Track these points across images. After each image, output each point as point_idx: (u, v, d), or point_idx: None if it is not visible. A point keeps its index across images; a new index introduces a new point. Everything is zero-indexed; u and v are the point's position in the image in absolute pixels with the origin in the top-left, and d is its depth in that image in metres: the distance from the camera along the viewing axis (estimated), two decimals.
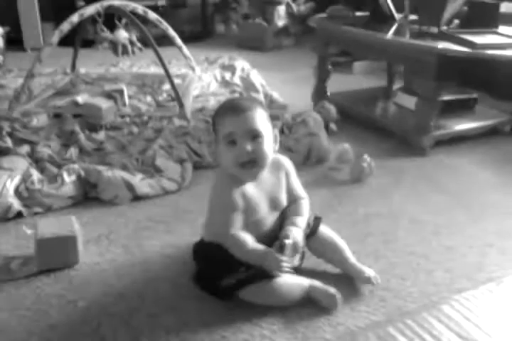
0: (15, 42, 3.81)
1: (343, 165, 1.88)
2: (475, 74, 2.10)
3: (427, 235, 1.46)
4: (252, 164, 1.12)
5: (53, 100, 2.50)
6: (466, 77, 2.32)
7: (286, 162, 1.25)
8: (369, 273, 1.21)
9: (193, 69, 3.15)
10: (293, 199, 1.25)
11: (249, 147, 1.10)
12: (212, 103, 2.57)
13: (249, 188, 1.16)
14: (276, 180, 1.21)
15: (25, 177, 1.59)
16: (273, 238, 1.17)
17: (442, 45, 1.82)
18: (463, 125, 2.15)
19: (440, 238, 1.45)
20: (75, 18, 2.39)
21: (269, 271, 1.12)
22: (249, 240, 1.15)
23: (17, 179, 1.58)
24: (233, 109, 1.13)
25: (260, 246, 1.14)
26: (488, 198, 1.68)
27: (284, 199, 1.23)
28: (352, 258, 1.25)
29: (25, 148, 1.86)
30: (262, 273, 1.12)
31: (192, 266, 1.27)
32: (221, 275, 1.15)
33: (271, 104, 2.57)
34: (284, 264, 1.10)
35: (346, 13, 2.40)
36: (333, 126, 2.25)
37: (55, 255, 1.26)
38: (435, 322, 1.12)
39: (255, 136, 1.11)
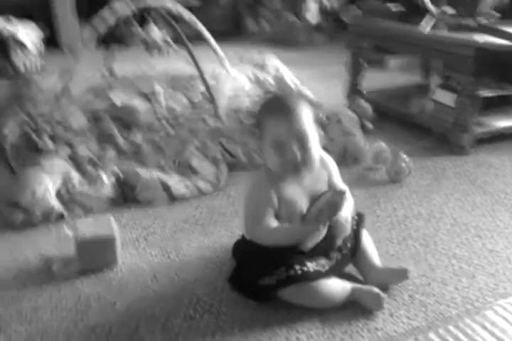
0: (53, 45, 3.92)
1: (380, 165, 1.84)
2: None
3: (469, 238, 1.42)
4: (300, 168, 1.11)
5: (91, 102, 2.56)
6: (507, 71, 2.23)
7: (329, 159, 1.23)
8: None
9: (226, 69, 3.15)
10: None
11: (298, 153, 1.08)
12: (247, 103, 2.57)
13: (289, 185, 1.14)
14: (317, 177, 1.19)
15: (67, 180, 1.63)
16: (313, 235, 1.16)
17: (482, 38, 1.76)
18: (505, 122, 2.07)
19: (483, 241, 1.40)
20: (110, 19, 2.43)
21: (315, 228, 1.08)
22: (273, 223, 1.12)
23: (58, 182, 1.62)
24: (283, 111, 1.09)
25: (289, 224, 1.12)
26: None
27: None
28: (378, 265, 1.23)
29: (65, 151, 1.90)
30: (303, 275, 1.11)
31: (228, 268, 1.27)
32: (261, 274, 1.14)
33: None
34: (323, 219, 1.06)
35: (380, 7, 2.35)
36: (368, 124, 2.21)
37: (95, 256, 1.29)
38: (479, 329, 1.08)
39: (304, 141, 1.09)
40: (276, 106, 1.12)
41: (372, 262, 1.23)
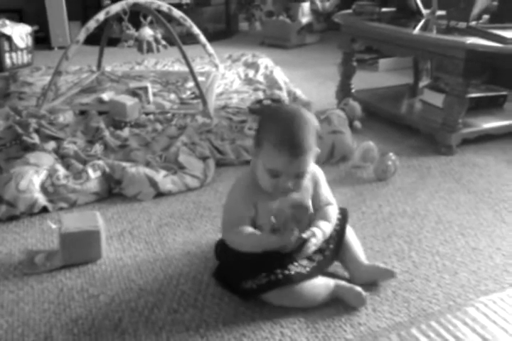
0: (43, 40, 3.89)
1: (368, 163, 1.85)
2: (505, 71, 2.04)
3: (453, 235, 1.43)
4: (289, 193, 1.12)
5: (79, 97, 2.54)
6: (495, 73, 2.25)
7: (317, 170, 1.22)
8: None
9: (216, 66, 3.15)
10: (321, 205, 1.21)
11: (290, 184, 1.09)
12: (236, 100, 2.57)
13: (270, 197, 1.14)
14: (304, 189, 1.17)
15: (51, 173, 1.62)
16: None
17: (471, 40, 1.77)
18: (491, 123, 2.09)
19: (466, 238, 1.41)
20: (101, 16, 2.42)
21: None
22: (246, 229, 1.12)
23: (43, 174, 1.60)
24: (290, 147, 1.04)
25: (257, 233, 1.11)
26: None
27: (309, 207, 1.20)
28: (364, 261, 1.23)
29: (51, 145, 1.89)
30: (284, 279, 1.10)
31: (213, 263, 1.27)
32: (243, 277, 1.13)
33: (294, 101, 2.55)
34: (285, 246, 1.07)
35: (372, 8, 2.37)
36: (357, 123, 2.22)
37: (79, 249, 1.28)
38: (460, 325, 1.09)
39: (300, 176, 1.09)
40: (284, 137, 1.05)
41: (358, 259, 1.23)
